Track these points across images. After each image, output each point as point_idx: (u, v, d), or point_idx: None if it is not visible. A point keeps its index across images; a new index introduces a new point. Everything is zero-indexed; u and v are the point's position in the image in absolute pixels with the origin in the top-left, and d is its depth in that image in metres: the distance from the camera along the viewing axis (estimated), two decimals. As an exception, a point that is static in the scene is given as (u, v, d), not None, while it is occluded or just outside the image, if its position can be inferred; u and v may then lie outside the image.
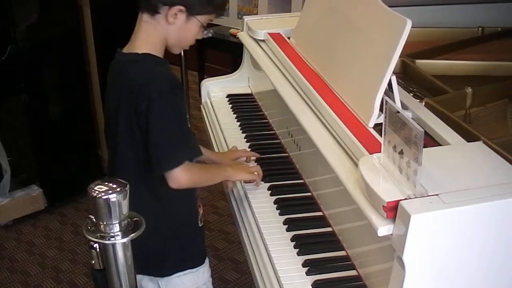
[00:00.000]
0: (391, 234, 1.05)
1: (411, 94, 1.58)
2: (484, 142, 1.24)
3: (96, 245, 1.13)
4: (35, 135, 2.95)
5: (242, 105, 2.18)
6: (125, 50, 1.50)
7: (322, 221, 1.51)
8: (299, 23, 1.91)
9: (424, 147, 1.02)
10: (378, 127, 1.31)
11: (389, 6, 1.40)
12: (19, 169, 2.99)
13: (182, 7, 1.42)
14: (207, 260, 1.66)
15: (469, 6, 2.10)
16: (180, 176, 1.42)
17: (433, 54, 1.84)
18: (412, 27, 1.29)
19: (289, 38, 1.93)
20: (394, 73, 1.33)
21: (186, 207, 1.58)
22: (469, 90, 1.54)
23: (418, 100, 1.50)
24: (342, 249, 1.40)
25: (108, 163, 1.60)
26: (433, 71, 1.73)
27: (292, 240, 1.44)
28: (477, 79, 1.69)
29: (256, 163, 1.75)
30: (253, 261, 1.48)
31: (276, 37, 1.95)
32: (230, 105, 2.18)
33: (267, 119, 2.04)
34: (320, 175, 1.53)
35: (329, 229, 1.48)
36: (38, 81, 2.90)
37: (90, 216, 1.10)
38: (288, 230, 1.48)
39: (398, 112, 1.08)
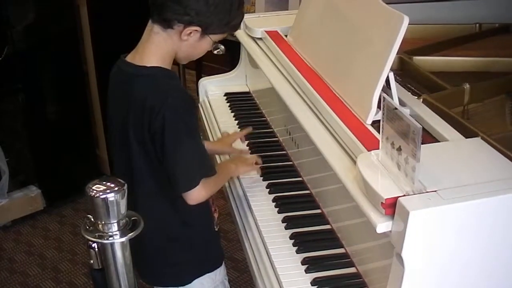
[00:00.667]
0: (390, 231, 1.05)
1: (410, 91, 1.58)
2: (482, 138, 1.24)
3: (94, 245, 1.12)
4: (33, 136, 2.94)
5: (240, 104, 2.17)
6: (130, 59, 1.43)
7: (321, 219, 1.50)
8: (296, 20, 1.90)
9: (422, 143, 1.01)
10: (376, 124, 1.31)
11: (386, 3, 1.40)
12: (17, 170, 2.99)
13: (198, 28, 1.36)
14: (223, 263, 1.65)
15: (466, 2, 2.11)
16: (198, 194, 1.42)
17: (431, 50, 1.84)
18: (409, 24, 1.29)
19: (286, 36, 1.93)
20: (391, 70, 1.33)
21: (203, 214, 1.56)
22: (467, 86, 1.54)
23: (416, 97, 1.50)
24: (341, 246, 1.40)
25: (115, 169, 1.56)
26: (431, 67, 1.73)
27: (291, 238, 1.44)
28: (474, 75, 1.69)
29: (248, 147, 1.78)
30: (252, 259, 1.48)
31: (274, 35, 1.95)
32: (228, 104, 2.18)
33: (265, 117, 2.04)
34: (319, 173, 1.53)
35: (328, 226, 1.48)
36: (36, 81, 2.89)
37: (88, 215, 1.09)
38: (287, 228, 1.48)
39: (396, 108, 1.08)
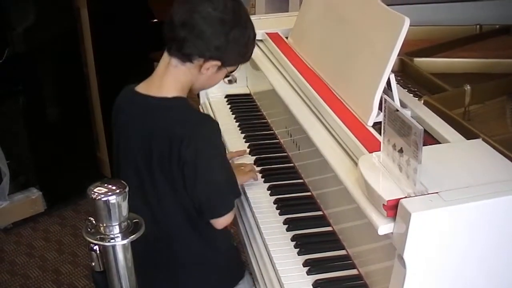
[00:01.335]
0: (392, 233, 1.05)
1: (411, 93, 1.58)
2: (484, 140, 1.24)
3: (96, 247, 1.12)
4: (33, 138, 2.94)
5: (241, 105, 2.17)
6: (144, 90, 1.42)
7: (322, 221, 1.50)
8: (297, 22, 1.90)
9: (424, 145, 1.01)
10: (377, 125, 1.31)
11: (387, 5, 1.40)
12: (18, 172, 2.99)
13: (218, 62, 1.39)
14: (246, 272, 1.64)
15: (467, 3, 2.11)
16: (228, 219, 1.44)
17: (432, 52, 1.84)
18: (410, 25, 1.29)
19: (287, 37, 1.93)
20: (392, 71, 1.33)
21: (223, 235, 1.55)
22: (468, 87, 1.54)
23: (417, 98, 1.50)
24: (343, 248, 1.40)
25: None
26: (432, 69, 1.73)
27: (292, 239, 1.44)
28: (475, 77, 1.69)
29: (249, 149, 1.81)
30: (254, 261, 1.48)
31: (274, 36, 1.95)
32: (229, 106, 2.18)
33: (266, 119, 2.04)
34: (320, 175, 1.53)
35: (329, 228, 1.48)
36: (36, 83, 2.89)
37: (89, 218, 1.09)
38: (288, 230, 1.48)
39: (397, 110, 1.08)
